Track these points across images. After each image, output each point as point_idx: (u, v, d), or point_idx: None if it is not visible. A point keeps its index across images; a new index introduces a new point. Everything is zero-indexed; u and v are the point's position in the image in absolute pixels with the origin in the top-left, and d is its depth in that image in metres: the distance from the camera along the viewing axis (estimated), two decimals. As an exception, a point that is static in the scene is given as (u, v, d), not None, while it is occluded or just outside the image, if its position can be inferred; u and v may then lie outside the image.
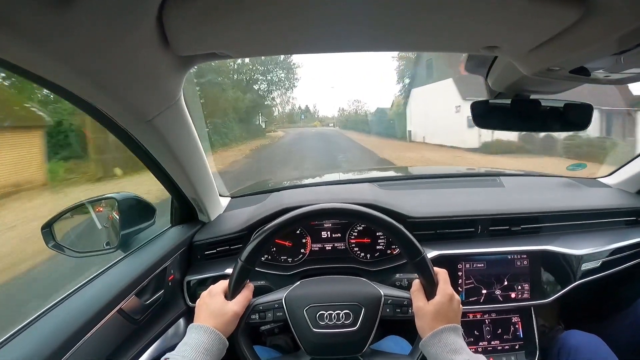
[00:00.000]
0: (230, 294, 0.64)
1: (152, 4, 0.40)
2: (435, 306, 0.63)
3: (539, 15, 0.43)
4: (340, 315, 0.65)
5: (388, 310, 0.67)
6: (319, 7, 0.43)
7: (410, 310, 0.66)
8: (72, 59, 0.43)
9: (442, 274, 0.67)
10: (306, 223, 0.68)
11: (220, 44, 0.52)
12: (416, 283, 0.68)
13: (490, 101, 0.89)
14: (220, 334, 0.60)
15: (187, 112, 0.72)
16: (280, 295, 0.67)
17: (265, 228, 0.65)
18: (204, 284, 0.98)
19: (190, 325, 0.62)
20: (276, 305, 0.65)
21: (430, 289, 0.65)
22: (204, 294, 0.66)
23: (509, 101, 0.86)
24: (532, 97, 0.85)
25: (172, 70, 0.57)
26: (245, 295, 0.65)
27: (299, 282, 0.70)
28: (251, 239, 0.65)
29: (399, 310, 0.67)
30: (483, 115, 0.88)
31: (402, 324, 0.69)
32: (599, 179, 1.32)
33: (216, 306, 0.62)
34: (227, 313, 0.62)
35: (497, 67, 0.77)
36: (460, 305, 0.66)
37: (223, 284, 0.66)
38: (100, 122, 0.66)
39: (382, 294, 0.68)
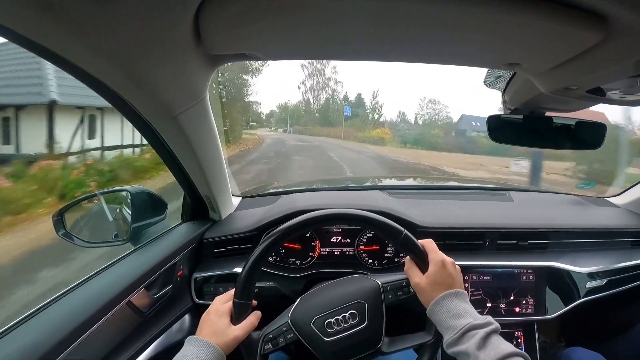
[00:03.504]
0: (235, 320, 0.65)
1: (192, 3, 0.41)
2: (431, 277, 0.64)
3: (562, 36, 0.44)
4: (347, 317, 0.65)
5: (390, 296, 0.68)
6: (351, 18, 0.44)
7: (411, 289, 0.67)
8: (109, 51, 0.44)
9: (428, 243, 0.68)
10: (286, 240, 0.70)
11: (252, 46, 0.53)
12: (408, 260, 0.68)
13: (502, 116, 0.91)
14: (218, 349, 0.60)
15: (211, 110, 0.73)
16: (284, 318, 0.67)
17: (246, 264, 0.66)
18: (210, 281, 0.99)
19: (190, 337, 0.62)
20: (284, 329, 0.65)
21: (422, 263, 0.66)
22: (211, 310, 0.67)
23: (521, 117, 0.88)
24: (547, 114, 0.87)
25: (200, 67, 0.58)
26: (250, 321, 0.66)
27: (298, 300, 0.70)
28: (239, 275, 0.66)
29: (400, 292, 0.68)
30: (497, 129, 0.89)
31: (412, 320, 0.70)
32: (607, 199, 1.32)
33: (220, 327, 0.63)
34: (229, 335, 0.62)
35: (515, 83, 0.78)
36: (457, 267, 0.66)
37: (230, 305, 0.67)
38: (124, 114, 0.67)
39: (380, 283, 0.69)
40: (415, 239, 0.67)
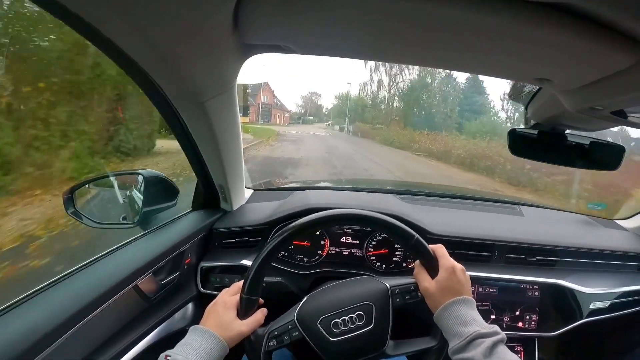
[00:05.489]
0: (242, 315, 0.65)
1: None
2: (440, 282, 0.64)
3: (595, 56, 0.44)
4: (354, 318, 0.65)
5: (398, 300, 0.68)
6: (390, 21, 0.44)
7: (419, 294, 0.67)
8: (146, 30, 0.44)
9: (439, 249, 0.68)
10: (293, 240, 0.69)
11: (288, 38, 0.54)
12: (417, 265, 0.68)
13: (517, 130, 0.91)
14: (222, 339, 0.60)
15: (237, 100, 0.74)
16: (291, 316, 0.67)
17: (256, 259, 0.66)
18: (216, 271, 0.99)
19: (194, 326, 0.62)
20: (290, 327, 0.65)
21: (431, 268, 0.66)
22: (218, 302, 0.66)
23: (536, 132, 0.88)
24: (567, 132, 0.87)
25: (234, 56, 0.58)
26: (257, 318, 0.66)
27: (305, 298, 0.70)
28: (248, 270, 0.66)
29: (408, 296, 0.68)
30: (516, 143, 0.89)
31: (417, 324, 0.70)
32: (616, 221, 1.32)
33: (226, 319, 0.63)
34: (234, 329, 0.62)
35: (539, 99, 0.78)
36: (466, 274, 0.66)
37: (237, 298, 0.66)
38: (150, 97, 0.67)
39: (388, 286, 0.69)
40: (426, 244, 0.67)
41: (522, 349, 1.05)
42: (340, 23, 0.47)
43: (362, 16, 0.44)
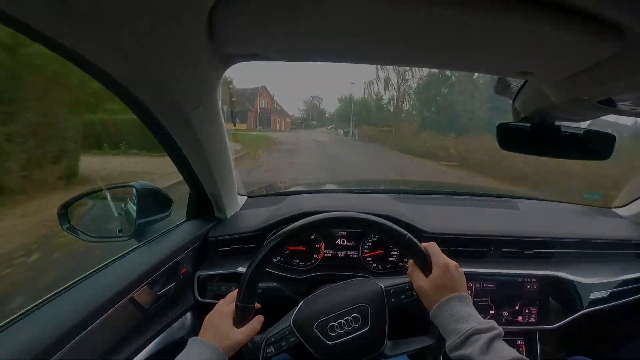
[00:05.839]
0: (238, 323, 0.65)
1: (207, 1, 0.41)
2: (434, 280, 0.64)
3: (577, 46, 0.43)
4: (349, 320, 0.65)
5: (393, 300, 0.68)
6: (364, 21, 0.44)
7: (414, 293, 0.68)
8: (122, 46, 0.44)
9: (431, 247, 0.68)
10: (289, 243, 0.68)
11: (265, 46, 0.53)
12: (411, 264, 0.69)
13: (511, 124, 0.91)
14: (220, 350, 0.60)
15: (221, 110, 0.74)
16: (287, 321, 0.67)
17: (249, 267, 0.65)
18: (213, 279, 0.99)
19: (193, 338, 0.62)
20: (287, 332, 0.65)
21: (425, 266, 0.66)
22: (215, 312, 0.67)
23: (529, 125, 0.88)
24: (557, 123, 0.86)
25: (213, 66, 0.58)
26: (253, 326, 0.66)
27: (301, 303, 0.70)
28: (241, 279, 0.65)
29: (403, 296, 0.68)
30: (506, 137, 0.89)
31: (414, 323, 0.69)
32: (613, 209, 1.32)
33: (222, 329, 0.63)
34: (231, 338, 0.62)
35: (525, 92, 0.78)
36: (460, 270, 0.66)
37: (233, 307, 0.67)
38: (135, 111, 0.67)
39: (383, 286, 0.69)
40: (418, 242, 0.67)
41: (523, 343, 1.05)
42: (316, 28, 0.47)
43: (338, 20, 0.44)
